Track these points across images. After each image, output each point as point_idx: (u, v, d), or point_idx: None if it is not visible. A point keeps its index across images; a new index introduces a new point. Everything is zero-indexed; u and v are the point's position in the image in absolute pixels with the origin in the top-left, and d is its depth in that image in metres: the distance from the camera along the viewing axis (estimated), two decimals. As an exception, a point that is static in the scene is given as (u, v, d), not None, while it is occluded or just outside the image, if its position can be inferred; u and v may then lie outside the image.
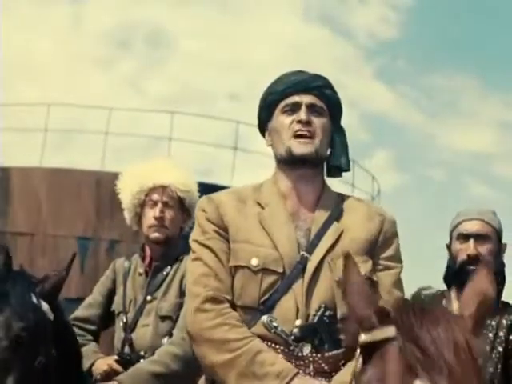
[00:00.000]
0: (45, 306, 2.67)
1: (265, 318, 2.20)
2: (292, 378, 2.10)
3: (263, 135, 2.50)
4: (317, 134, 2.35)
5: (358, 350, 1.50)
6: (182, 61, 28.78)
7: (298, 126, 2.34)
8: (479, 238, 3.08)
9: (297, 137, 2.34)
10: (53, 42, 26.68)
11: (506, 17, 33.49)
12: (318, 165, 2.41)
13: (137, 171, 3.48)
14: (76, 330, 3.17)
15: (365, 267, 2.23)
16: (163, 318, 3.26)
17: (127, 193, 3.44)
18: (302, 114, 2.35)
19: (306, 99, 2.37)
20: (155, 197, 3.36)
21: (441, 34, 34.63)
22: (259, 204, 2.36)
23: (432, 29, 34.41)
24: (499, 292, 2.96)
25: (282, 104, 2.39)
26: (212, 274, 2.26)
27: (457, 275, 3.05)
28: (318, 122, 2.37)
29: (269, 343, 2.19)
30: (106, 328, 3.53)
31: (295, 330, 2.19)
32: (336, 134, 2.44)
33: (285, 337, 2.19)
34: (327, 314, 2.21)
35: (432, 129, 30.38)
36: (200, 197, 3.40)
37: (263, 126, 2.49)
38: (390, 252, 2.34)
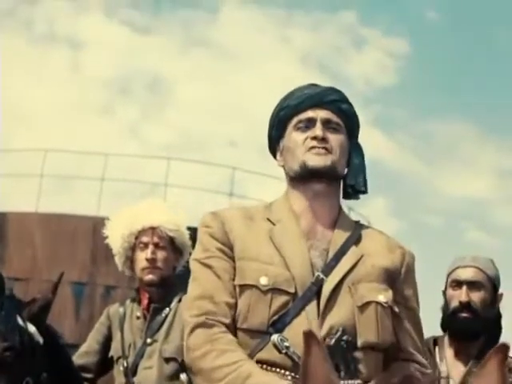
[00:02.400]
0: (32, 328, 2.66)
1: (275, 337, 1.99)
2: None
3: (274, 156, 2.32)
4: (334, 150, 2.17)
5: None
6: (180, 108, 28.96)
7: (312, 143, 2.16)
8: (472, 285, 3.04)
9: (312, 149, 2.16)
10: (51, 88, 26.90)
11: (504, 62, 33.86)
12: (334, 182, 2.22)
13: (124, 215, 3.46)
14: None
15: (386, 296, 2.10)
16: (168, 360, 3.22)
17: (117, 237, 3.42)
18: (317, 130, 2.17)
19: (321, 114, 2.19)
20: (145, 239, 3.35)
21: (438, 81, 34.95)
22: (269, 220, 2.18)
23: (429, 75, 34.71)
24: (495, 342, 2.92)
25: (295, 120, 2.21)
26: (207, 296, 2.07)
27: (449, 322, 3.06)
28: (335, 138, 2.18)
29: (277, 369, 1.99)
30: (101, 375, 3.49)
31: None
32: (353, 153, 2.26)
33: (297, 359, 1.95)
34: (345, 338, 2.00)
35: (430, 175, 30.45)
36: (193, 241, 3.44)
37: (274, 146, 2.31)
38: (411, 290, 2.20)
